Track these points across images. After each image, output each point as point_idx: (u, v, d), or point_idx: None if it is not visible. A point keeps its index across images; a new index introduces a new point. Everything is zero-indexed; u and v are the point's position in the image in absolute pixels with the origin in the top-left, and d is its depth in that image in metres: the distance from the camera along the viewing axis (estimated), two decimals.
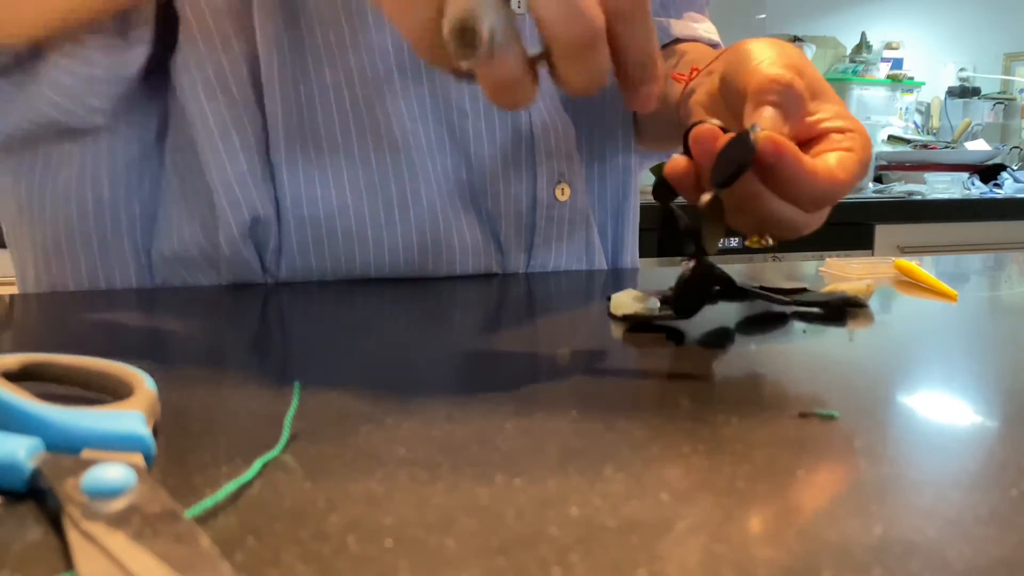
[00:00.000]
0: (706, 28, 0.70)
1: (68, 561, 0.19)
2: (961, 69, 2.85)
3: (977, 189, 2.39)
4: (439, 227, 0.59)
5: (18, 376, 0.29)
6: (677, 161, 0.42)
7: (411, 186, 0.58)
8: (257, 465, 0.25)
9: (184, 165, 0.57)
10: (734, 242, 1.85)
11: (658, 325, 0.45)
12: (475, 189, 0.61)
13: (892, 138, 2.67)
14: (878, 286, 0.60)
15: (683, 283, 0.43)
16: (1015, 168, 2.54)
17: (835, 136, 0.42)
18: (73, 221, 0.58)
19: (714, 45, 0.69)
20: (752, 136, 0.38)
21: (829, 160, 0.41)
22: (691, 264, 0.43)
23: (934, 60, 2.85)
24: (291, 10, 0.55)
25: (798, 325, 0.46)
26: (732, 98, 0.45)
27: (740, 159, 0.38)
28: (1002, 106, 2.88)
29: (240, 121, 0.55)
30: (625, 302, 0.46)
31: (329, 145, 0.57)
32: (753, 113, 0.41)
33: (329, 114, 0.56)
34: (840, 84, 2.66)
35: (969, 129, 2.77)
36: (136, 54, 0.54)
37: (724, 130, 0.41)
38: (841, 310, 0.49)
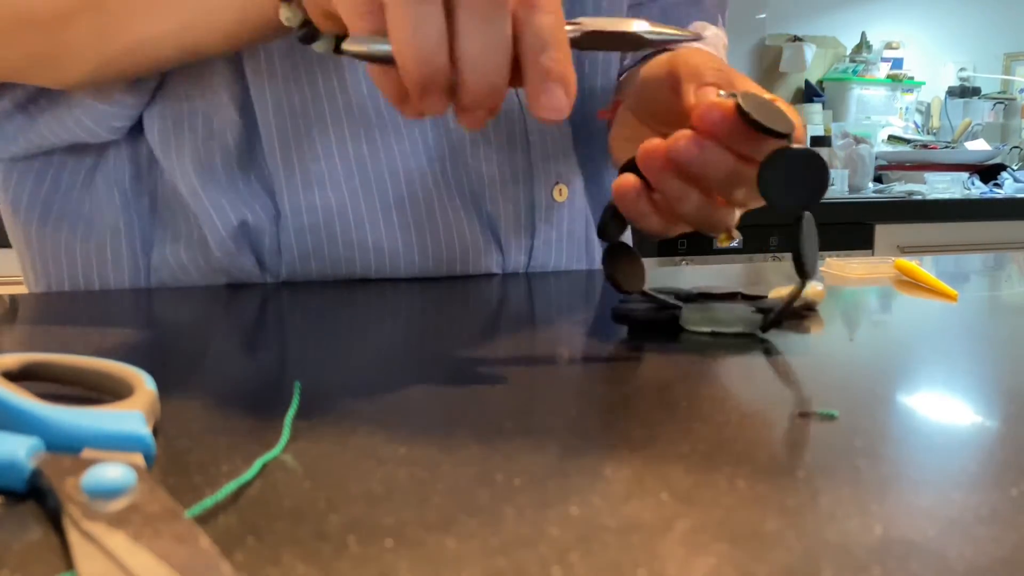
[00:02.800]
0: (707, 33, 0.68)
1: (68, 561, 0.19)
2: (961, 69, 2.85)
3: (977, 189, 2.39)
4: (439, 229, 0.59)
5: (18, 376, 0.29)
6: (626, 180, 0.41)
7: (408, 189, 0.58)
8: (257, 465, 0.25)
9: (175, 181, 0.57)
10: (735, 242, 1.84)
11: (658, 324, 0.45)
12: (474, 192, 0.61)
13: (892, 138, 2.67)
14: (879, 286, 0.60)
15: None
16: (1015, 168, 2.54)
17: None
18: (76, 233, 0.58)
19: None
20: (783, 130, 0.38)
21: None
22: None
23: (934, 60, 2.85)
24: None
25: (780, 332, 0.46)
26: (655, 104, 0.48)
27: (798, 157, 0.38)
28: (1002, 106, 2.87)
29: (222, 129, 0.55)
30: (696, 318, 0.45)
31: (324, 151, 0.56)
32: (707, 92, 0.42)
33: (323, 120, 0.56)
34: (840, 84, 2.66)
35: (969, 129, 2.77)
36: (153, 84, 0.55)
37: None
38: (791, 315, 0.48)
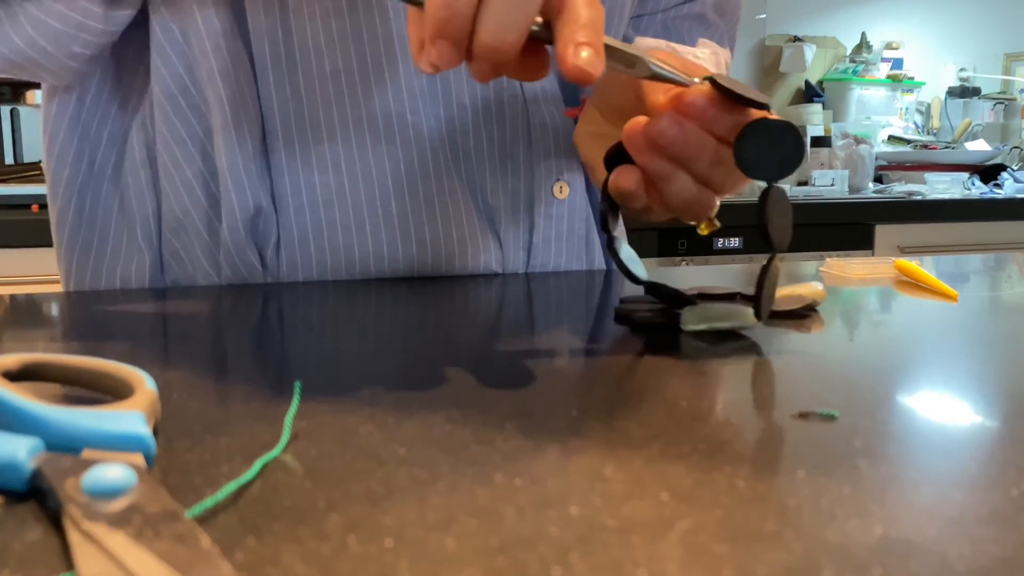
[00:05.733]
0: (702, 52, 0.66)
1: (68, 561, 0.19)
2: (961, 69, 2.85)
3: (977, 189, 2.39)
4: (436, 218, 0.59)
5: (18, 376, 0.29)
6: (626, 172, 0.41)
7: (408, 176, 0.58)
8: (257, 465, 0.25)
9: (172, 162, 0.58)
10: (735, 242, 1.85)
11: (659, 324, 0.45)
12: (473, 182, 0.61)
13: (892, 138, 2.67)
14: (879, 286, 0.60)
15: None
16: (1015, 168, 2.54)
17: None
18: (96, 225, 0.60)
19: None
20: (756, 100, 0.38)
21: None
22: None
23: (934, 60, 2.84)
24: (284, 3, 0.55)
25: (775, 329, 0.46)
26: (615, 96, 0.47)
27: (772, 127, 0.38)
28: (1002, 106, 2.87)
29: (246, 109, 0.56)
30: (695, 317, 0.45)
31: (327, 133, 0.57)
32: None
33: (326, 103, 0.57)
34: (840, 84, 2.66)
35: (969, 129, 2.77)
36: (124, 14, 0.54)
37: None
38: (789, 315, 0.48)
